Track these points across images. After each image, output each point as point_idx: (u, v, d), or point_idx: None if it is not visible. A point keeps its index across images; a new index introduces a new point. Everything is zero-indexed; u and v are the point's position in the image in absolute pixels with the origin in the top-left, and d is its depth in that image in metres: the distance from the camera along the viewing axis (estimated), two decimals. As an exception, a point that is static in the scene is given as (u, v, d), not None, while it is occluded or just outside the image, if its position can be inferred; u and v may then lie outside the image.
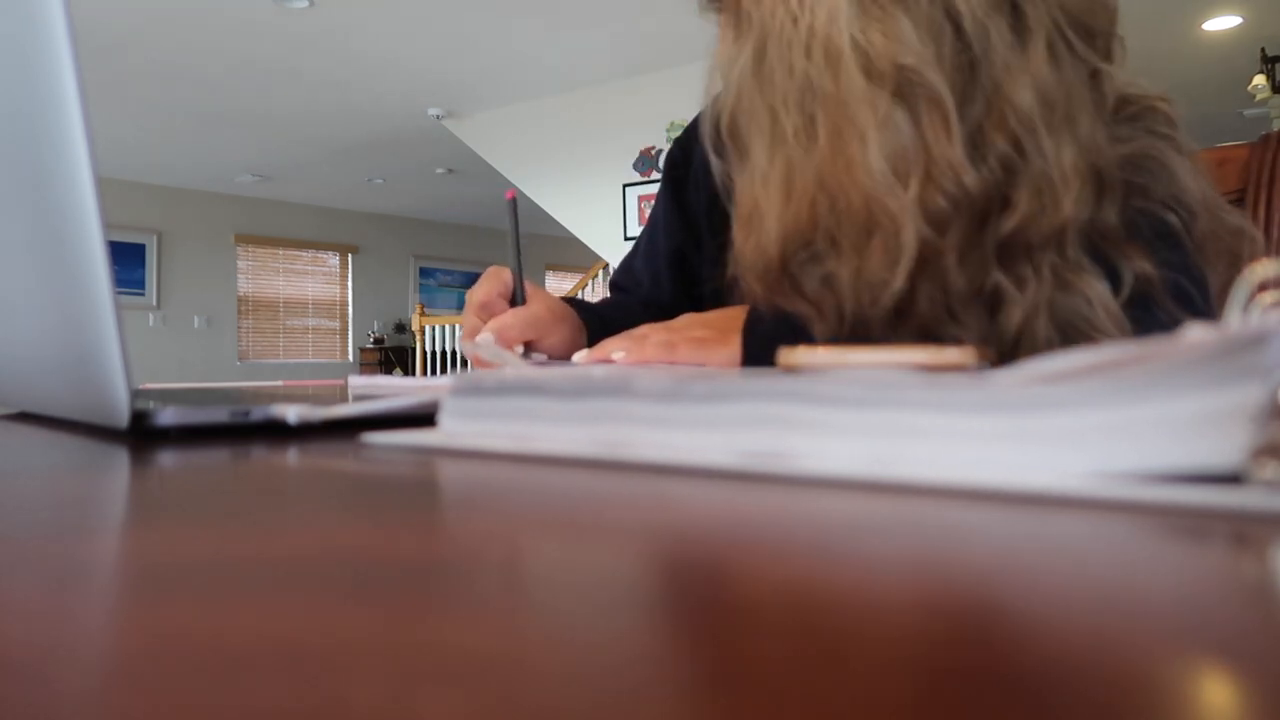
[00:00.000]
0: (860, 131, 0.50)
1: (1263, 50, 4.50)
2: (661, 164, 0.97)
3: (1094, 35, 0.56)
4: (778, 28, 0.52)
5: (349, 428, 0.42)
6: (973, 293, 0.52)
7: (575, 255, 8.49)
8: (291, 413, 0.41)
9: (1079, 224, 0.54)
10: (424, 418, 0.40)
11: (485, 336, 0.69)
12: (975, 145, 0.51)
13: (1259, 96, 4.43)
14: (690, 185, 0.89)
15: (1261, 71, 4.49)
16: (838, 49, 0.50)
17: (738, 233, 0.56)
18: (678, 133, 0.92)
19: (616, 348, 0.64)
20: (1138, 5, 4.43)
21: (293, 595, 0.15)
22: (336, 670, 0.11)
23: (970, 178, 0.50)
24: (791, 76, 0.52)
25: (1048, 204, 0.52)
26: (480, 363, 0.69)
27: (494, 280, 0.74)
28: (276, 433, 0.42)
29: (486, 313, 0.72)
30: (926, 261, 0.51)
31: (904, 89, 0.50)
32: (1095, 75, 0.56)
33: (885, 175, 0.50)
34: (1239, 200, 0.86)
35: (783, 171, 0.53)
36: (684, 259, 0.90)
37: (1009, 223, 0.52)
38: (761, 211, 0.54)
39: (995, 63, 0.51)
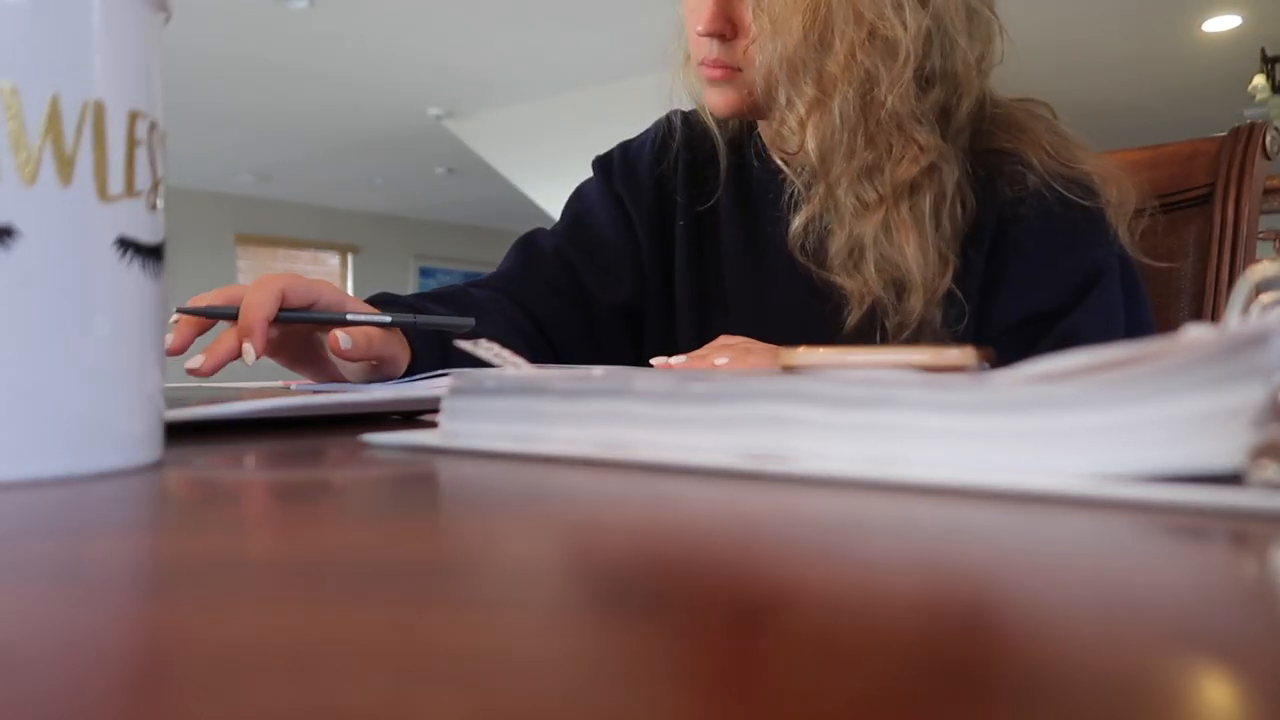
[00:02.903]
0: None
1: (1263, 50, 4.49)
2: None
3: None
4: None
5: (349, 428, 0.42)
6: (910, 120, 0.69)
7: (575, 255, 8.47)
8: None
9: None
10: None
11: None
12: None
13: (1259, 97, 4.42)
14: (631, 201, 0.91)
15: (1261, 71, 4.49)
16: None
17: (762, 27, 0.70)
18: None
19: (721, 356, 0.67)
20: (1138, 5, 4.44)
21: (293, 595, 0.15)
22: (336, 670, 0.11)
23: (915, 20, 0.67)
24: None
25: (957, 96, 0.71)
26: None
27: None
28: (276, 432, 0.42)
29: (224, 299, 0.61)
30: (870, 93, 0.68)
31: None
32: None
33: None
34: (1208, 194, 0.86)
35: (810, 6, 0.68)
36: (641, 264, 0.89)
37: (933, 94, 0.70)
38: (780, 17, 0.69)
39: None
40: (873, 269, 0.71)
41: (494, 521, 0.22)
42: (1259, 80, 4.40)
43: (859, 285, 0.72)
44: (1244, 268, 0.83)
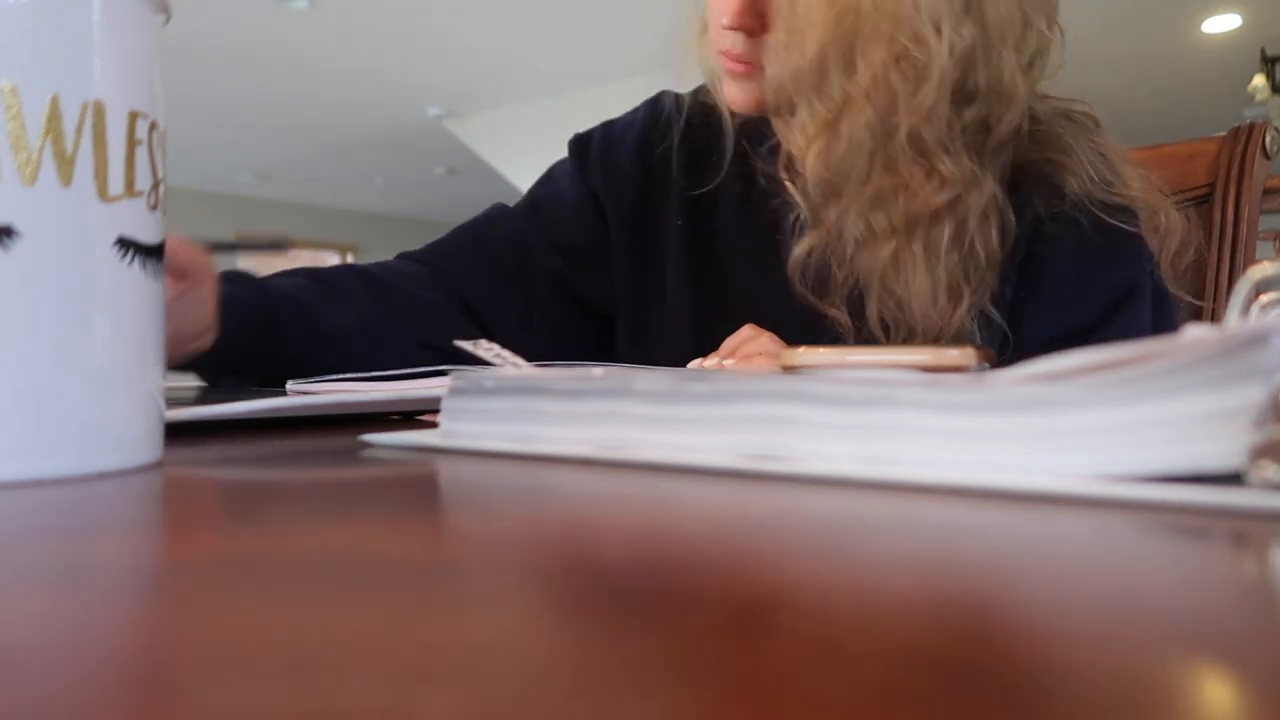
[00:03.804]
0: None
1: (1263, 50, 4.49)
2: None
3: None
4: None
5: (349, 428, 0.42)
6: (935, 148, 0.63)
7: (575, 255, 8.48)
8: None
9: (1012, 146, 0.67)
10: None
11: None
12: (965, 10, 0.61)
13: (1259, 97, 4.42)
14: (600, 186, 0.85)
15: (1261, 71, 4.49)
16: None
17: (779, 37, 0.64)
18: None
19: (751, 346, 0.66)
20: (1137, 5, 4.44)
21: (293, 595, 0.15)
22: (336, 670, 0.11)
23: (958, 38, 0.61)
24: None
25: (999, 111, 0.65)
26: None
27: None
28: (276, 432, 0.42)
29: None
30: (934, 76, 0.61)
31: None
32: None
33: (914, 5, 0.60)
34: (1208, 194, 0.86)
35: None
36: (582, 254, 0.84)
37: (971, 112, 0.64)
38: (801, 28, 0.62)
39: None
40: (875, 309, 0.67)
41: (494, 521, 0.22)
42: (1259, 80, 4.40)
43: (858, 324, 0.68)
44: (1244, 268, 0.83)
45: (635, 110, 0.88)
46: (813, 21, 0.62)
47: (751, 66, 0.69)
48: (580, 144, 0.87)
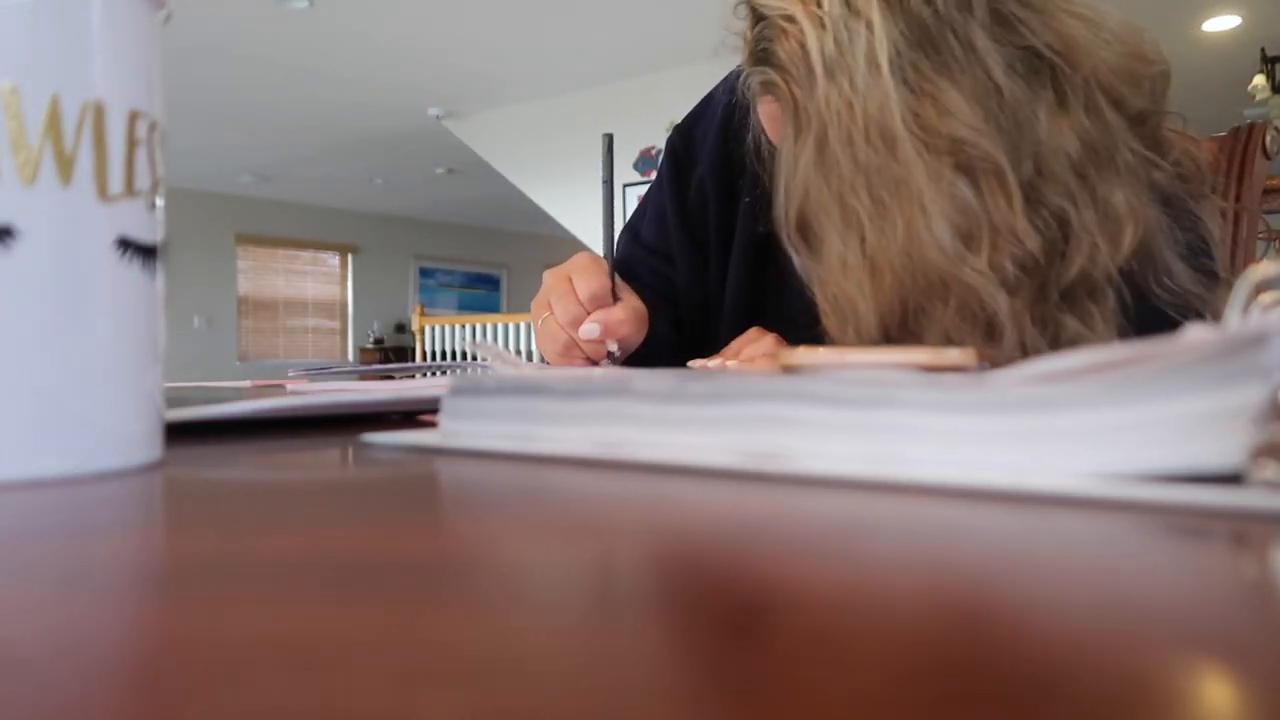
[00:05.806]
0: (925, 208, 0.52)
1: (1263, 50, 4.49)
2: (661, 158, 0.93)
3: (1123, 105, 0.58)
4: (835, 117, 0.53)
5: (349, 428, 0.42)
6: (1049, 343, 0.54)
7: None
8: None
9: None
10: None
11: (590, 327, 0.68)
12: (1030, 203, 0.53)
13: (1259, 97, 4.41)
14: (693, 180, 0.84)
15: (1261, 71, 4.48)
16: (893, 131, 0.52)
17: (832, 325, 0.57)
18: None
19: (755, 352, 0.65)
20: (1137, 5, 4.43)
21: (293, 595, 0.15)
22: (336, 670, 0.11)
23: (1033, 241, 0.52)
24: (855, 163, 0.53)
25: (1105, 247, 0.54)
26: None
27: (601, 272, 0.69)
28: (276, 432, 0.42)
29: (596, 304, 0.68)
30: (1005, 324, 0.53)
31: (962, 160, 0.52)
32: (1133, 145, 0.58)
33: (955, 248, 0.52)
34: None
35: (861, 256, 0.54)
36: (695, 250, 0.85)
37: (1069, 273, 0.54)
38: (851, 299, 0.55)
39: (1040, 120, 0.53)
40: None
41: (494, 521, 0.22)
42: (1259, 80, 4.40)
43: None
44: (1244, 268, 0.83)
45: (722, 84, 0.83)
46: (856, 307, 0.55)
47: None
48: (672, 142, 0.87)
